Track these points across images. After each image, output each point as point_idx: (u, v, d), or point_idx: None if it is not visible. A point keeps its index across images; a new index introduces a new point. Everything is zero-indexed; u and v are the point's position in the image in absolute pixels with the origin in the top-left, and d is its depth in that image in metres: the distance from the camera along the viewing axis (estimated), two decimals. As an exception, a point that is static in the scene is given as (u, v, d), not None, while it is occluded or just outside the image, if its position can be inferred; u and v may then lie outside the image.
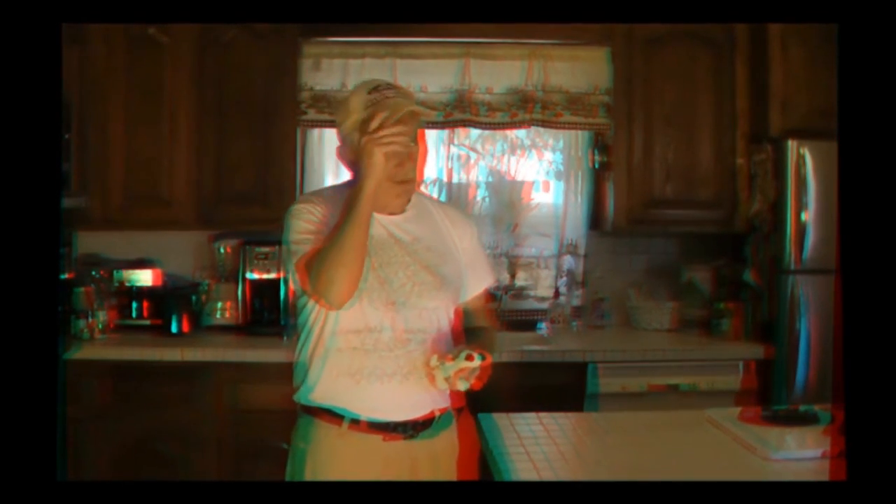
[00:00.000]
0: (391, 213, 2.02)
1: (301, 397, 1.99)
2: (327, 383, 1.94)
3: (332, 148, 3.81)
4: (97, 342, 3.39)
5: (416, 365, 1.93)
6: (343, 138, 2.01)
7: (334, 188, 2.16)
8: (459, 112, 3.66)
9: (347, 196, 1.87)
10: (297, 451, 1.99)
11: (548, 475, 1.85)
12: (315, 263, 1.85)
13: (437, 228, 2.09)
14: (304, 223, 1.94)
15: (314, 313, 1.95)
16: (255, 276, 3.63)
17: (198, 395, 3.24)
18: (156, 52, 3.52)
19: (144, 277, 3.71)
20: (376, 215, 1.97)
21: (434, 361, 1.86)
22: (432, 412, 1.99)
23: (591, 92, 3.69)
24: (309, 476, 1.94)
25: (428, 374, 1.89)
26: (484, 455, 2.15)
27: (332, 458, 1.94)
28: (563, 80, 3.68)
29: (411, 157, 1.98)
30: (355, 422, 1.93)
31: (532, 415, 2.32)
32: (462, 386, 1.85)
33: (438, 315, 2.01)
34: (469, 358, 1.83)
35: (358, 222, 1.83)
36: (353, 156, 1.94)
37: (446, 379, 1.85)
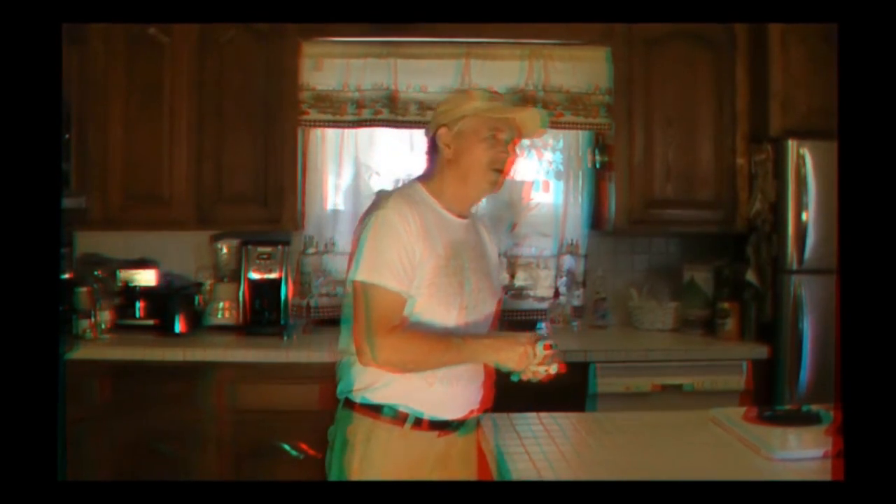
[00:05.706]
0: (461, 217, 2.05)
1: (361, 397, 1.98)
2: (400, 386, 1.96)
3: (333, 148, 3.88)
4: (97, 342, 3.39)
5: (479, 367, 2.06)
6: (448, 128, 2.00)
7: (416, 190, 2.04)
8: (460, 112, 3.66)
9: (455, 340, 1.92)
10: (346, 446, 1.99)
11: (548, 475, 1.85)
12: (405, 350, 1.90)
13: (483, 236, 2.15)
14: (394, 242, 1.88)
15: None
16: (256, 276, 3.63)
17: (198, 395, 3.24)
18: (156, 52, 3.52)
19: (144, 277, 3.70)
20: (452, 217, 2.01)
21: (540, 349, 1.96)
22: (477, 409, 2.10)
23: (591, 92, 3.69)
24: (356, 471, 1.96)
25: (529, 369, 1.97)
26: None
27: (387, 457, 1.96)
28: (564, 80, 3.67)
29: (508, 172, 2.05)
30: (419, 420, 1.97)
31: (532, 415, 2.32)
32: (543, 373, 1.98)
33: (490, 321, 2.10)
34: (546, 347, 1.97)
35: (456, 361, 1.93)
36: (458, 144, 1.98)
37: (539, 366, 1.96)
